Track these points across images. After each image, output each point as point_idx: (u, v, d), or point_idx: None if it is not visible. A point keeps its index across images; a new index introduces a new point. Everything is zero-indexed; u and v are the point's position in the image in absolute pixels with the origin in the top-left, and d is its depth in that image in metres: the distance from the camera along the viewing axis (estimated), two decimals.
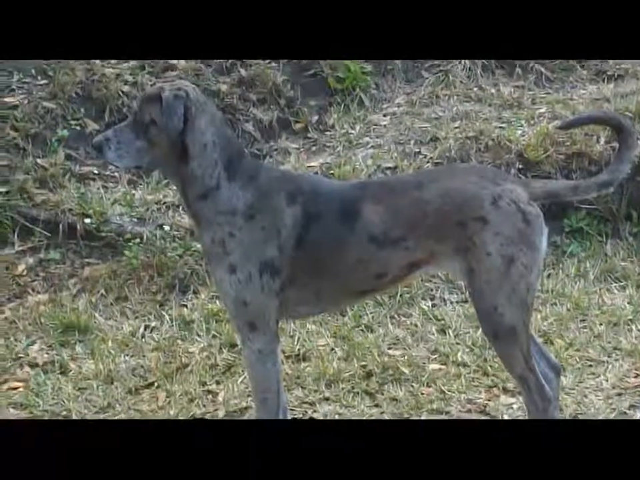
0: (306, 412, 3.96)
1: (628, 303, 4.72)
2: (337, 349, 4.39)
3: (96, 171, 5.53)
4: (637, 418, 3.77)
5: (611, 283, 4.95)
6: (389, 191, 3.35)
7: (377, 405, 4.00)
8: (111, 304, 4.83)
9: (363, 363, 4.26)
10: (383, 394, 4.06)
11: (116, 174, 5.55)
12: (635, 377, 4.11)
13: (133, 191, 5.41)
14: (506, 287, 3.26)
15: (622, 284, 4.92)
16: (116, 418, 3.93)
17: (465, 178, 3.34)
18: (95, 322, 4.66)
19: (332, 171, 5.40)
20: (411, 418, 3.87)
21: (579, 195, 3.49)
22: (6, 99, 5.61)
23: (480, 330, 3.72)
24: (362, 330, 4.59)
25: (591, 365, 4.24)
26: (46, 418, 3.92)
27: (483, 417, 3.89)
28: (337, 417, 3.90)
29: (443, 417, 3.89)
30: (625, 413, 3.85)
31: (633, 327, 4.50)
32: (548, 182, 3.82)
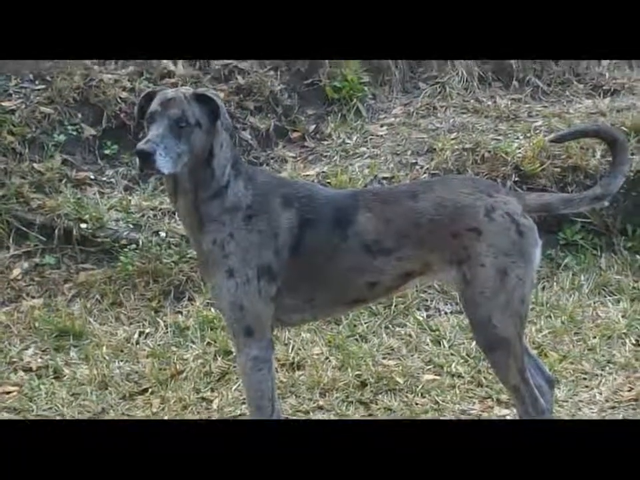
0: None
1: (622, 317, 4.73)
2: (331, 358, 4.40)
3: (92, 177, 5.54)
4: None
5: (605, 297, 4.96)
6: (383, 201, 3.36)
7: (370, 415, 4.00)
8: (106, 309, 4.83)
9: (358, 373, 4.26)
10: (377, 404, 4.07)
11: (112, 180, 5.55)
12: (629, 391, 4.11)
13: (129, 197, 5.41)
14: (500, 298, 3.27)
15: (616, 297, 4.93)
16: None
17: (459, 189, 3.34)
18: (90, 327, 4.66)
19: (328, 180, 5.41)
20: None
21: (572, 208, 3.50)
22: (3, 103, 5.61)
23: (474, 341, 3.73)
24: (356, 339, 4.59)
25: (584, 378, 4.24)
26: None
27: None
28: None
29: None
30: None
31: (627, 341, 4.51)
32: (542, 194, 3.83)
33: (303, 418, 3.97)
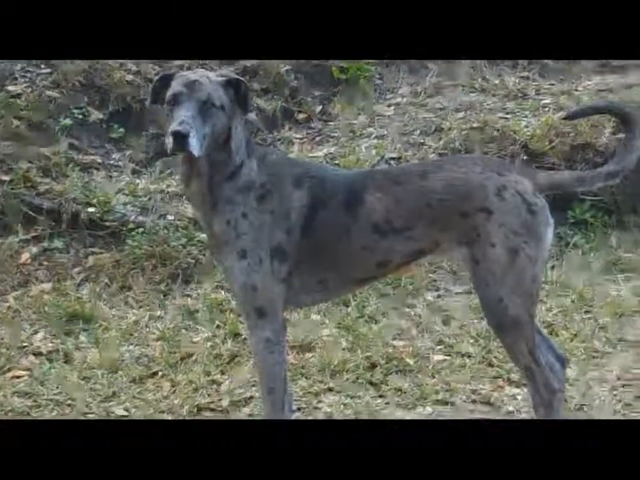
0: (310, 402, 3.96)
1: (633, 295, 4.71)
2: (341, 340, 4.39)
3: (99, 160, 5.53)
4: None
5: (616, 275, 4.94)
6: (393, 180, 3.34)
7: (381, 396, 3.99)
8: (115, 293, 4.82)
9: (368, 354, 4.25)
10: (387, 385, 4.06)
11: (120, 163, 5.54)
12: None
13: (137, 180, 5.40)
14: (510, 278, 3.25)
15: (627, 275, 4.92)
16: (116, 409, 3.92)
17: (469, 168, 3.32)
18: (99, 311, 4.65)
19: (336, 161, 5.39)
20: (415, 410, 3.87)
21: (585, 186, 3.47)
22: (9, 88, 5.60)
23: (484, 321, 3.72)
24: (366, 321, 4.58)
25: (595, 357, 4.23)
26: (50, 406, 3.92)
27: (488, 408, 3.88)
28: (341, 407, 3.90)
29: (448, 407, 3.89)
30: (630, 404, 3.85)
31: (638, 319, 4.50)
32: (553, 173, 3.80)
33: (314, 400, 3.97)
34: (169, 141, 3.10)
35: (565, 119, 4.37)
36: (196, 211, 3.43)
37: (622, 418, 3.70)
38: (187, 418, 3.81)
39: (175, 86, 3.17)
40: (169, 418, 3.82)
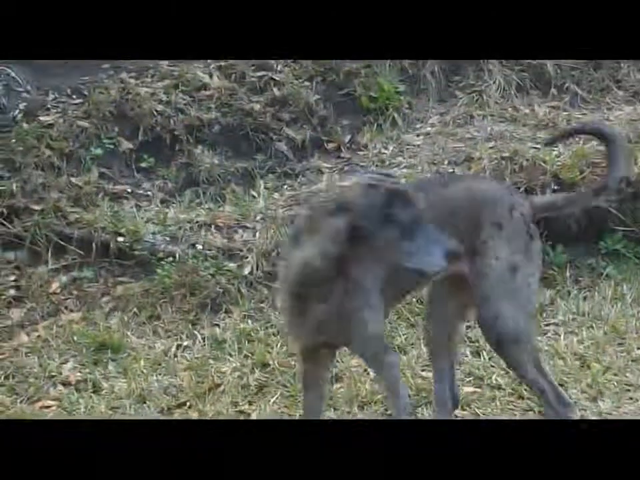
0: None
1: None
2: (369, 370, 4.35)
3: (129, 190, 5.55)
4: None
5: None
6: (417, 188, 3.35)
7: None
8: (144, 323, 4.82)
9: None
10: (416, 417, 4.01)
11: (149, 192, 5.56)
12: None
13: (166, 210, 5.42)
14: (511, 293, 3.35)
15: None
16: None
17: (487, 183, 3.59)
18: (128, 340, 4.66)
19: None
20: None
21: (575, 206, 3.67)
22: (41, 118, 5.65)
23: (485, 338, 3.69)
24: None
25: (629, 390, 4.16)
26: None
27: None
28: None
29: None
30: None
31: None
32: (546, 195, 3.96)
33: None
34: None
35: (545, 145, 4.50)
36: None
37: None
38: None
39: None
40: None
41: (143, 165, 5.69)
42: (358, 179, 3.13)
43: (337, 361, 4.41)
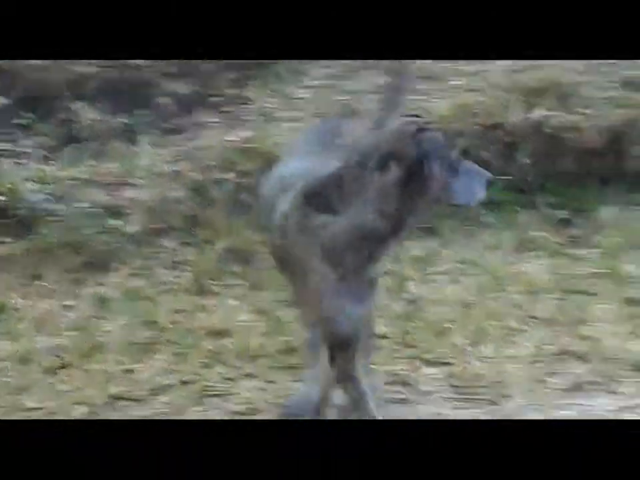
0: (228, 389, 3.93)
1: (544, 273, 4.79)
2: (258, 324, 4.37)
3: (6, 147, 5.39)
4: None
5: (527, 253, 5.01)
6: None
7: (301, 380, 3.99)
8: (27, 283, 4.72)
9: (286, 338, 4.23)
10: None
11: (28, 150, 5.42)
12: (552, 345, 4.18)
13: (46, 167, 5.29)
14: None
15: (538, 254, 5.00)
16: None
17: None
18: (11, 301, 4.55)
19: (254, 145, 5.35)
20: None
21: None
22: None
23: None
24: (285, 305, 4.56)
25: (510, 334, 4.29)
26: None
27: (405, 389, 3.91)
28: (260, 393, 3.88)
29: None
30: (544, 380, 3.93)
31: (550, 296, 4.58)
32: None
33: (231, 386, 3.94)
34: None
35: None
36: None
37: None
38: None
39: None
40: (85, 409, 3.77)
41: (21, 121, 5.52)
42: (399, 125, 3.06)
43: (224, 317, 4.42)
